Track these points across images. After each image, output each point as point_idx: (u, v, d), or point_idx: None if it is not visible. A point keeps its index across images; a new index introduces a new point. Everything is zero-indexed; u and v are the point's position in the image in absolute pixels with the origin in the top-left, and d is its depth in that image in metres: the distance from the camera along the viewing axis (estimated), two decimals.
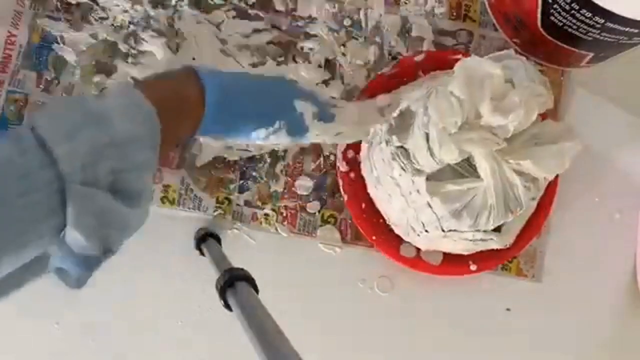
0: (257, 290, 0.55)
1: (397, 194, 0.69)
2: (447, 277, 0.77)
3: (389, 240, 0.76)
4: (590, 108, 0.82)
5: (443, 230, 0.68)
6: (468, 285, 0.78)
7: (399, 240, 0.76)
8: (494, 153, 0.63)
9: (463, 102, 0.62)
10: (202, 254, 0.72)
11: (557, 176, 0.73)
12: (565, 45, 0.73)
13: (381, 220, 0.76)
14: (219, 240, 0.75)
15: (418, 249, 0.76)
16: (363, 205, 0.76)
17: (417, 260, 0.76)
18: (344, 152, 0.77)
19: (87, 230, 0.40)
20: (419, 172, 0.65)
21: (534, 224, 0.75)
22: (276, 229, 0.79)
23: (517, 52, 0.80)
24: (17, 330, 0.78)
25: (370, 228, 0.76)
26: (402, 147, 0.65)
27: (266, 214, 0.79)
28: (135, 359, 0.78)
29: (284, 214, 0.79)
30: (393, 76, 0.77)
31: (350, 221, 0.79)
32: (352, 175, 0.77)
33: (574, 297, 0.80)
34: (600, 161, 0.81)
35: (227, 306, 0.54)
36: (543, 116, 0.67)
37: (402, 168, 0.65)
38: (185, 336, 0.77)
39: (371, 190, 0.75)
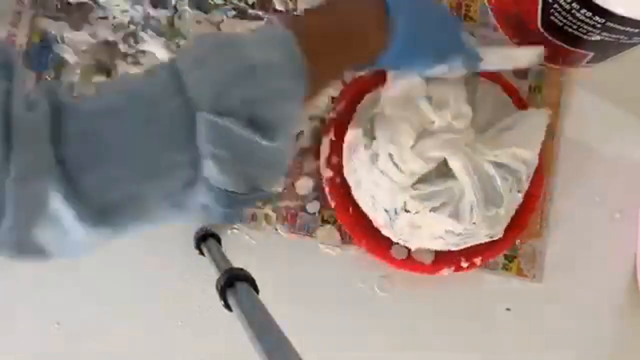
0: (257, 290, 0.54)
1: (379, 197, 0.70)
2: (441, 276, 0.77)
3: (379, 243, 0.76)
4: (590, 108, 0.82)
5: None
6: (468, 285, 0.78)
7: (389, 242, 0.76)
8: (466, 149, 0.65)
9: (406, 118, 0.64)
10: (202, 254, 0.72)
11: (541, 166, 0.73)
12: (565, 45, 0.73)
13: (369, 224, 0.76)
14: (219, 240, 0.74)
15: (409, 250, 0.76)
16: (350, 210, 0.76)
17: (409, 261, 0.76)
18: (328, 158, 0.76)
19: (220, 162, 0.39)
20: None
21: (522, 217, 0.75)
22: (276, 229, 0.79)
23: None
24: (17, 330, 0.78)
25: (360, 233, 0.76)
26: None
27: (266, 214, 0.79)
28: (136, 359, 0.78)
29: (284, 214, 0.79)
30: (374, 77, 0.76)
31: None
32: (337, 180, 0.76)
33: (574, 297, 0.80)
34: (600, 161, 0.81)
35: (227, 306, 0.54)
36: (523, 106, 0.72)
37: (381, 172, 0.66)
38: (185, 336, 0.77)
39: (355, 193, 0.75)
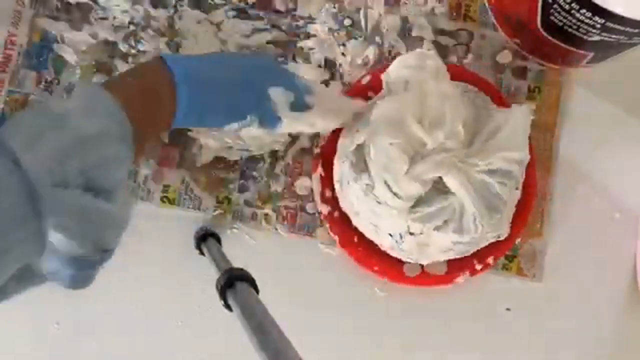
0: (257, 290, 0.55)
1: (381, 224, 0.69)
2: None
3: (390, 265, 0.75)
4: (590, 108, 0.82)
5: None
6: (468, 285, 0.78)
7: (400, 262, 0.75)
8: (459, 166, 0.64)
9: (397, 144, 0.63)
10: (202, 253, 0.72)
11: (532, 157, 0.73)
12: (565, 45, 0.73)
13: (376, 248, 0.75)
14: (219, 240, 0.75)
15: (422, 265, 0.76)
16: (355, 239, 0.76)
17: (424, 276, 0.76)
18: (322, 194, 0.76)
19: (67, 230, 0.40)
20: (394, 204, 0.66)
21: (523, 209, 0.75)
22: (276, 229, 0.79)
23: (518, 52, 0.80)
24: (17, 330, 0.78)
25: (369, 259, 0.76)
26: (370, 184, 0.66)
27: (266, 214, 0.79)
28: (136, 359, 0.78)
29: (284, 214, 0.79)
30: (369, 86, 0.77)
31: None
32: (335, 214, 0.76)
33: (574, 296, 0.79)
34: (600, 161, 0.81)
35: (227, 306, 0.54)
36: (503, 103, 0.72)
37: (377, 202, 0.66)
38: (185, 336, 0.77)
39: (355, 222, 0.75)
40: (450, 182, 0.64)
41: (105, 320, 0.77)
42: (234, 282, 0.54)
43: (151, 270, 0.78)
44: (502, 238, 0.71)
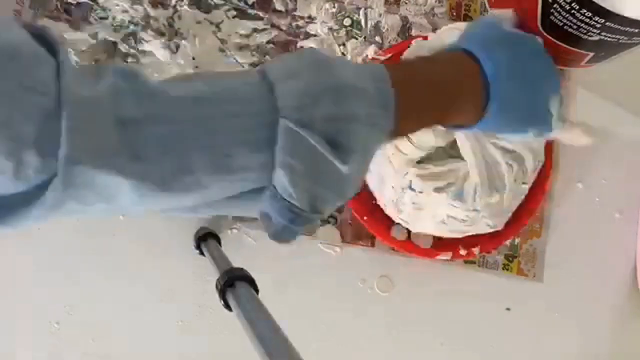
0: (257, 290, 0.55)
1: (389, 174, 0.70)
2: (441, 272, 0.78)
3: (380, 221, 0.76)
4: (590, 107, 0.82)
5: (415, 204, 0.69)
6: (468, 285, 0.78)
7: (390, 222, 0.76)
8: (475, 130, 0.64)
9: None
10: (202, 253, 0.72)
11: (549, 162, 0.73)
12: (565, 45, 0.73)
13: (373, 202, 0.76)
14: (219, 240, 0.75)
15: (409, 233, 0.76)
16: None
17: (408, 243, 0.76)
18: None
19: (292, 173, 0.39)
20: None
21: (524, 212, 0.75)
22: None
23: None
24: (18, 330, 0.78)
25: (362, 208, 0.76)
26: None
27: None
28: (135, 359, 0.78)
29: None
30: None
31: (350, 221, 0.79)
32: None
33: (574, 296, 0.80)
34: (600, 161, 0.81)
35: (227, 306, 0.54)
36: None
37: (395, 146, 0.67)
38: (185, 336, 0.77)
39: None
40: (463, 144, 0.64)
41: (106, 320, 0.77)
42: (233, 282, 0.55)
43: (151, 270, 0.77)
44: (496, 229, 0.71)
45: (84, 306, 0.78)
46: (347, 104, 0.40)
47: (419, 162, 0.67)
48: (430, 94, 0.48)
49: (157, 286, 0.78)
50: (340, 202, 0.43)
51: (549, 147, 0.71)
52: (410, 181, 0.68)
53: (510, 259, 0.80)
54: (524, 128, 0.54)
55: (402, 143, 0.65)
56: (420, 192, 0.68)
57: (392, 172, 0.69)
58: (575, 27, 0.67)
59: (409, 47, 0.71)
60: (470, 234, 0.73)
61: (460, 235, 0.74)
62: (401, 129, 0.45)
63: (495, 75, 0.49)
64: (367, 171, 0.44)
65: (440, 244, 0.76)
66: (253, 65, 0.80)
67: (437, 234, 0.74)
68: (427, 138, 0.64)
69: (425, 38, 0.75)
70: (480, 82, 0.49)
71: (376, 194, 0.75)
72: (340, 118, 0.40)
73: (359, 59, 0.81)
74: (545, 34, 0.72)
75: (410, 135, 0.63)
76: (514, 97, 0.51)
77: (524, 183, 0.70)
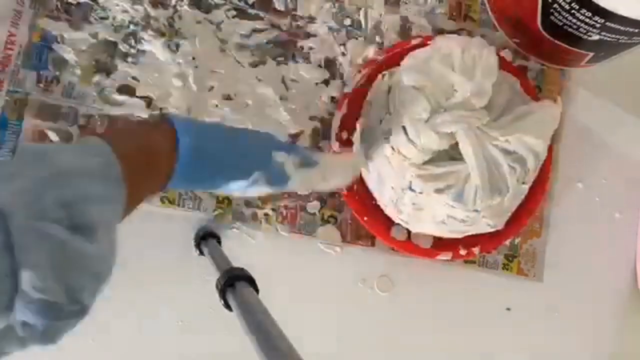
0: (257, 290, 0.55)
1: (388, 175, 0.70)
2: (441, 272, 0.78)
3: (380, 221, 0.76)
4: (591, 108, 0.82)
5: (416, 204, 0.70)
6: (468, 285, 0.78)
7: (390, 222, 0.76)
8: (477, 132, 0.65)
9: (423, 88, 0.65)
10: (202, 253, 0.72)
11: (549, 161, 0.74)
12: (565, 45, 0.73)
13: (373, 202, 0.76)
14: (219, 240, 0.75)
15: (409, 233, 0.76)
16: (355, 186, 0.76)
17: (407, 243, 0.76)
18: (338, 133, 0.77)
19: (38, 268, 0.36)
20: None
21: (524, 211, 0.75)
22: (276, 229, 0.79)
23: (518, 51, 0.81)
24: None
25: (362, 208, 0.77)
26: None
27: (266, 214, 0.79)
28: (135, 359, 0.78)
29: (284, 214, 0.79)
30: (363, 89, 0.77)
31: (350, 221, 0.79)
32: None
33: (574, 296, 0.80)
34: (600, 160, 0.82)
35: (227, 306, 0.54)
36: (534, 97, 0.73)
37: (391, 147, 0.67)
38: (185, 336, 0.77)
39: (363, 171, 0.75)
40: (465, 146, 0.65)
41: (105, 320, 0.77)
42: (234, 282, 0.55)
43: (151, 270, 0.77)
44: (496, 228, 0.72)
45: None
46: (74, 185, 0.39)
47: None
48: (143, 169, 0.48)
49: (157, 286, 0.78)
50: (99, 284, 0.41)
51: (550, 147, 0.72)
52: (410, 182, 0.68)
53: (510, 258, 0.80)
54: (235, 174, 0.55)
55: (405, 147, 0.66)
56: (420, 193, 0.68)
57: (392, 173, 0.69)
58: (575, 27, 0.68)
59: (405, 52, 0.72)
60: (470, 233, 0.73)
61: (460, 235, 0.74)
62: (131, 197, 0.44)
63: (184, 127, 0.51)
64: (116, 248, 0.43)
65: (440, 244, 0.76)
66: (253, 65, 0.80)
67: (437, 234, 0.74)
68: (430, 139, 0.65)
69: (428, 38, 0.76)
70: (173, 137, 0.51)
71: (376, 195, 0.75)
72: (71, 201, 0.39)
73: (359, 59, 0.81)
74: (545, 33, 0.73)
75: (414, 139, 0.64)
76: (209, 144, 0.53)
77: (524, 183, 0.70)
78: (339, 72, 0.81)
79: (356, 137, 0.71)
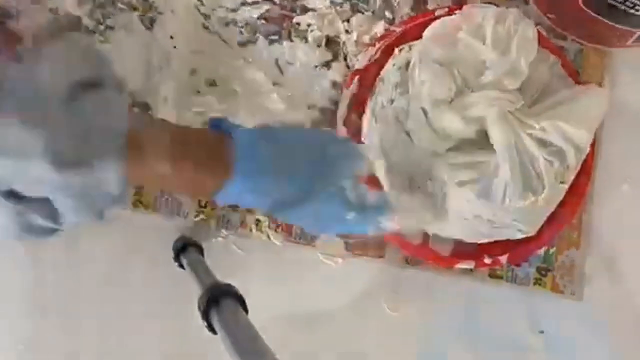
0: (246, 310, 0.54)
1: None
2: (462, 286, 0.77)
3: None
4: (637, 93, 0.82)
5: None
6: (493, 302, 0.78)
7: None
8: (510, 117, 0.65)
9: (448, 64, 0.65)
10: (181, 266, 0.72)
11: (591, 157, 0.74)
12: (609, 22, 0.73)
13: None
14: (201, 250, 0.74)
15: (426, 236, 0.75)
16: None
17: (424, 248, 0.76)
18: (346, 116, 0.77)
19: None
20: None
21: (561, 215, 0.74)
22: (268, 237, 0.78)
23: (553, 29, 0.81)
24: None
25: None
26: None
27: (257, 220, 0.78)
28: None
29: (278, 220, 0.78)
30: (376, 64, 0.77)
31: None
32: None
33: (619, 318, 0.80)
34: None
35: (211, 328, 0.53)
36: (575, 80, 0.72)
37: (406, 132, 0.68)
38: (183, 337, 0.77)
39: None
40: (495, 133, 0.65)
41: (103, 320, 0.78)
42: (218, 300, 0.54)
43: (121, 287, 0.77)
44: (527, 235, 0.71)
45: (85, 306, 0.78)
46: None
47: None
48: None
49: (128, 305, 0.77)
50: None
51: (593, 140, 0.71)
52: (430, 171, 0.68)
53: (544, 272, 0.79)
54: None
55: (423, 132, 0.66)
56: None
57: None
58: (620, 0, 0.67)
59: (428, 23, 0.72)
60: (497, 239, 0.73)
61: (485, 240, 0.73)
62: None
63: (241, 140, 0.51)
64: None
65: (462, 251, 0.75)
66: (241, 44, 0.80)
67: (458, 235, 0.74)
68: (454, 123, 0.65)
69: (455, 8, 0.75)
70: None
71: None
72: None
73: (366, 37, 0.80)
74: (585, 8, 0.72)
75: (435, 124, 0.65)
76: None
77: (562, 182, 0.70)
78: (342, 53, 0.81)
79: (366, 117, 0.71)
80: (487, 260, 0.75)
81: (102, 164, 0.43)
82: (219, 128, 0.52)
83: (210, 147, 0.50)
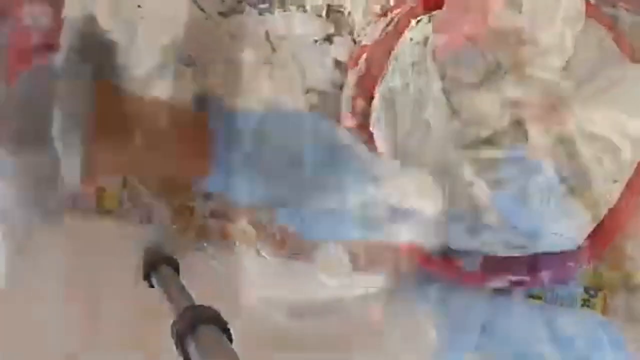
0: (230, 338, 0.52)
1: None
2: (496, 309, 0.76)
3: None
4: None
5: None
6: (532, 332, 0.76)
7: None
8: (552, 104, 0.64)
9: (476, 37, 0.64)
10: (151, 285, 0.69)
11: None
12: None
13: None
14: (176, 266, 0.71)
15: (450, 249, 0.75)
16: None
17: (446, 262, 0.75)
18: (352, 102, 0.76)
19: None
20: None
21: (614, 222, 0.72)
22: (257, 251, 0.77)
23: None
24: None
25: None
26: None
27: (243, 230, 0.76)
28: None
29: (269, 230, 0.77)
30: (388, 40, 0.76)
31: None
32: (361, 135, 0.75)
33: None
34: None
35: (187, 359, 0.51)
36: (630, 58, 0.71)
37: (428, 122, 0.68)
38: None
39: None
40: (534, 125, 0.64)
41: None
42: (196, 326, 0.52)
43: (83, 308, 0.76)
44: (573, 246, 0.69)
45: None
46: None
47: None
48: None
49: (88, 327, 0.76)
50: None
51: None
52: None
53: (593, 292, 0.76)
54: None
55: (444, 118, 0.65)
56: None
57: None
58: None
59: None
60: (534, 251, 0.70)
61: (519, 253, 0.71)
62: None
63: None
64: None
65: (492, 265, 0.73)
66: (223, 14, 0.78)
67: (487, 248, 0.72)
68: (485, 113, 0.63)
69: None
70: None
71: None
72: None
73: (376, 7, 0.78)
74: None
75: (459, 110, 0.64)
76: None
77: (615, 181, 0.67)
78: (347, 26, 0.78)
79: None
80: (525, 278, 0.73)
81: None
82: (204, 110, 0.56)
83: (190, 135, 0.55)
